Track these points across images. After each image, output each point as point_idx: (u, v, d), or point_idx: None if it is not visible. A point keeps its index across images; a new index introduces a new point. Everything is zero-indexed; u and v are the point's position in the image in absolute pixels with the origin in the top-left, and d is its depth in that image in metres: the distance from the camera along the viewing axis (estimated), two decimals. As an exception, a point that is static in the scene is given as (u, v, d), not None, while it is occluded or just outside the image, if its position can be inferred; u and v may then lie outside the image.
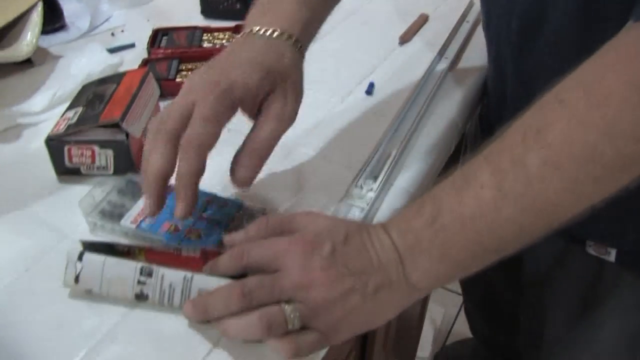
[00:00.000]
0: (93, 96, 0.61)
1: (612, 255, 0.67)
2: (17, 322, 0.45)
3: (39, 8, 0.73)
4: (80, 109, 0.59)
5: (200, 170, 0.46)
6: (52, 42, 0.82)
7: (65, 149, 0.57)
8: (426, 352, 1.41)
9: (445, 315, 1.61)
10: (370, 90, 0.74)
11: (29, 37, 0.71)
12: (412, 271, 0.43)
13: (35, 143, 0.64)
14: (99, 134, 0.57)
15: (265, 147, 0.48)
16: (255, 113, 0.50)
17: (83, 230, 0.53)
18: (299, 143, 0.64)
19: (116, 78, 0.63)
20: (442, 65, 0.79)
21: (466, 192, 0.42)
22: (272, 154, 0.54)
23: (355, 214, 0.55)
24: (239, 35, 0.53)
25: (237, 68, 0.48)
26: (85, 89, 0.64)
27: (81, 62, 0.75)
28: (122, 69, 0.75)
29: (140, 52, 0.81)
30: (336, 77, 0.76)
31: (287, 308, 0.41)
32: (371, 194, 0.55)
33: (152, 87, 0.63)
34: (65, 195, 0.57)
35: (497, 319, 1.23)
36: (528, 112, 0.43)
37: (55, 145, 0.57)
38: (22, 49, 0.70)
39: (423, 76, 0.75)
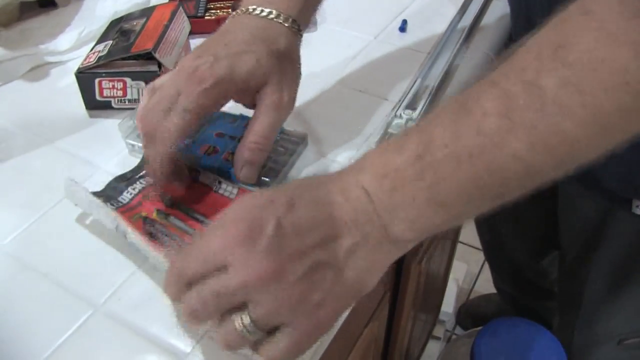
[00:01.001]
0: (122, 30, 0.59)
1: None
2: (55, 252, 0.45)
3: (62, -54, 0.71)
4: (110, 42, 0.57)
5: (169, 154, 0.43)
6: (75, -15, 0.80)
7: (96, 82, 0.55)
8: (450, 307, 1.40)
9: (467, 272, 1.60)
10: (403, 27, 0.71)
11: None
12: (392, 222, 0.35)
13: (63, 81, 0.63)
14: (131, 66, 0.55)
15: (264, 140, 0.46)
16: (251, 102, 0.47)
17: (117, 162, 0.52)
18: (335, 77, 0.62)
19: (145, 12, 0.61)
20: (475, 4, 0.76)
21: (464, 122, 0.34)
22: (309, 92, 0.54)
23: (395, 144, 0.53)
24: (233, 12, 0.49)
25: (226, 59, 0.44)
26: (113, 24, 0.62)
27: (106, 3, 0.73)
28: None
29: (164, -6, 0.79)
30: (368, 15, 0.74)
31: (235, 319, 0.33)
32: (411, 123, 0.53)
33: (182, 22, 0.61)
34: (96, 129, 0.56)
35: (523, 287, 1.22)
36: (544, 28, 0.34)
37: (85, 78, 0.55)
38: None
39: (458, 13, 0.72)
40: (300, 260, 0.33)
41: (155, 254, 0.40)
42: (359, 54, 0.67)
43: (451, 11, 0.73)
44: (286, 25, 0.48)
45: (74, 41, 0.67)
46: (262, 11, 0.47)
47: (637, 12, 0.31)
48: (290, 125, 0.53)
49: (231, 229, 0.34)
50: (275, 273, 0.32)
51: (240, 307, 0.33)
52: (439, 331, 1.38)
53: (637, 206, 0.65)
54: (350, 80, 0.62)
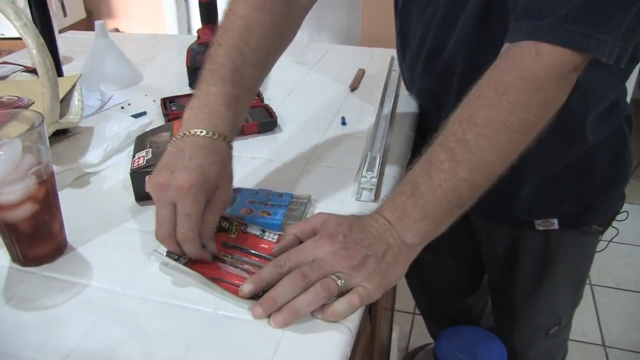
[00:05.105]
0: (153, 141, 0.80)
1: (555, 224, 0.92)
2: (163, 287, 0.62)
3: (79, 86, 0.91)
4: (149, 150, 0.78)
5: (199, 242, 0.62)
6: (77, 117, 1.00)
7: (147, 178, 0.75)
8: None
9: (400, 332, 1.82)
10: (344, 122, 0.98)
11: (77, 107, 0.89)
12: (404, 233, 0.60)
13: (103, 185, 0.82)
14: (171, 163, 0.76)
15: (211, 230, 0.63)
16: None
17: (176, 230, 0.71)
18: (309, 160, 0.86)
19: (166, 127, 0.83)
20: (389, 100, 1.05)
21: (432, 168, 0.61)
22: (295, 172, 0.81)
23: (367, 194, 0.77)
24: (179, 134, 0.64)
25: (195, 169, 0.60)
26: (140, 138, 0.83)
27: (113, 127, 0.94)
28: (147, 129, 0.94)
29: (153, 117, 1.00)
30: (315, 118, 1.00)
31: (334, 276, 0.58)
32: (374, 179, 0.78)
33: (194, 131, 0.83)
34: (150, 212, 0.75)
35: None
36: (459, 108, 0.62)
37: (138, 176, 0.75)
38: (74, 117, 0.88)
39: (378, 109, 1.01)
40: (358, 252, 0.59)
41: (219, 288, 0.61)
42: (317, 145, 0.92)
43: (373, 109, 1.01)
44: (224, 142, 0.65)
45: (102, 156, 0.86)
46: (207, 132, 0.64)
47: (503, 92, 0.59)
48: (298, 192, 0.76)
49: (320, 239, 0.60)
50: (347, 256, 0.59)
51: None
52: (388, 383, 1.57)
53: (538, 224, 0.92)
54: (320, 160, 0.87)
